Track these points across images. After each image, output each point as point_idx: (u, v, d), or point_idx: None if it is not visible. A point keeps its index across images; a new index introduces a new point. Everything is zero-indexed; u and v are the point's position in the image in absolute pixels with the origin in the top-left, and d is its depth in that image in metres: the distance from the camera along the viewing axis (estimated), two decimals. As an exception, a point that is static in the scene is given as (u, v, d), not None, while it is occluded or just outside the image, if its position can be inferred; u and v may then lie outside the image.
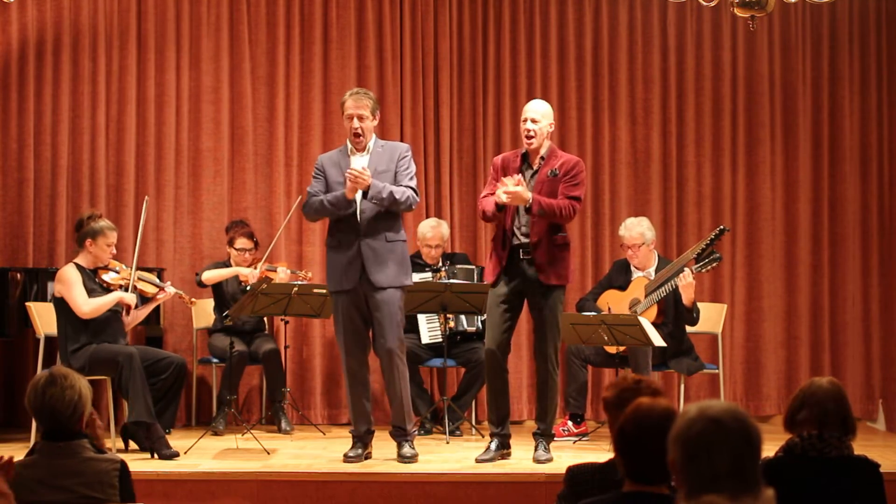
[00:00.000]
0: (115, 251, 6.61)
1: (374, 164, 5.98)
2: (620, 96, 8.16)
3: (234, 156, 7.96)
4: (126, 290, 6.54)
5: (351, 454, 5.96)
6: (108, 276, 6.55)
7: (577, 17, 8.15)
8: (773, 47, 8.23)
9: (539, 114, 6.01)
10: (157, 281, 6.80)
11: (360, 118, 6.00)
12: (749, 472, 2.34)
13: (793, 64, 8.24)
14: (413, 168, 6.08)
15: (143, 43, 7.86)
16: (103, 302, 6.41)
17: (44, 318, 6.73)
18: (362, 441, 6.03)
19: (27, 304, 6.86)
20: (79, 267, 6.48)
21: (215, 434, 6.96)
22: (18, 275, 7.13)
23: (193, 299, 7.06)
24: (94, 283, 6.50)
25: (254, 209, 7.89)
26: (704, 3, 6.59)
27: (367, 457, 6.03)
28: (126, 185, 7.79)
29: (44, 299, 7.04)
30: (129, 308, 6.52)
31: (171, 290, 6.71)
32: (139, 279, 6.63)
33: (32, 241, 7.67)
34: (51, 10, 7.76)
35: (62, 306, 6.41)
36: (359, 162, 5.98)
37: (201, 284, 7.37)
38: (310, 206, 6.02)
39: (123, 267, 6.66)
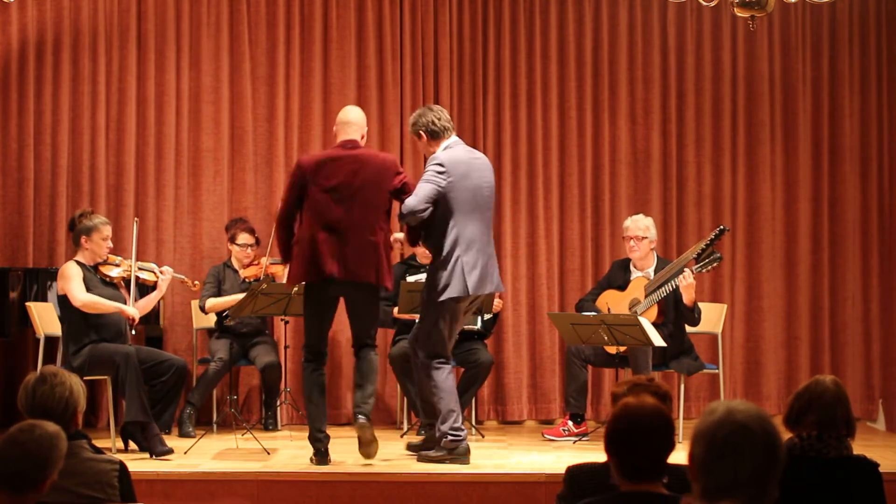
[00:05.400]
0: (111, 244, 6.61)
1: None
2: (620, 96, 8.15)
3: (234, 156, 7.96)
4: (128, 282, 6.52)
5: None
6: (108, 272, 6.55)
7: (577, 17, 8.15)
8: (773, 47, 8.23)
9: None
10: (156, 268, 6.73)
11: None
12: (767, 482, 2.34)
13: (793, 64, 8.24)
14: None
15: (143, 43, 7.86)
16: (102, 303, 6.39)
17: (44, 318, 6.73)
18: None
19: (27, 304, 6.86)
20: (80, 264, 6.49)
21: (183, 436, 6.91)
22: (19, 275, 7.13)
23: (196, 282, 7.04)
24: (95, 279, 6.49)
25: (254, 209, 7.88)
26: (704, 3, 6.58)
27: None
28: (126, 185, 7.79)
29: (44, 299, 7.04)
30: (132, 320, 6.45)
31: (168, 270, 6.65)
32: (140, 268, 6.60)
33: (32, 241, 7.67)
34: (51, 10, 7.76)
35: (66, 304, 6.40)
36: None
37: (205, 312, 7.38)
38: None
39: (123, 260, 6.65)
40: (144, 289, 6.82)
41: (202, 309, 7.36)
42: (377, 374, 6.17)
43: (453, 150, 5.96)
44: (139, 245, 6.86)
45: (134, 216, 7.71)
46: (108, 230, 6.57)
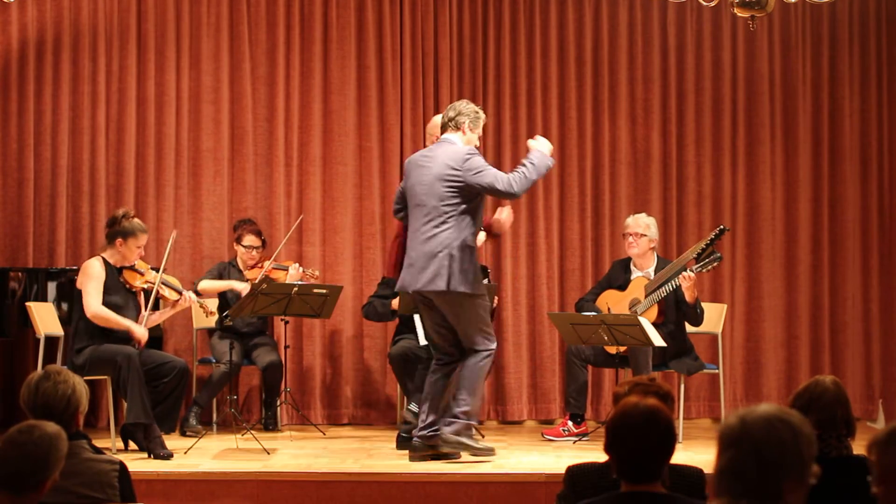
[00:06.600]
0: (143, 252, 6.57)
1: None
2: (620, 96, 8.15)
3: (234, 156, 7.95)
4: (149, 294, 6.48)
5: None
6: (133, 280, 6.48)
7: (577, 17, 8.15)
8: (773, 47, 8.23)
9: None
10: (180, 287, 6.68)
11: None
12: (768, 485, 2.33)
13: (793, 64, 8.24)
14: None
15: (143, 43, 7.86)
16: (113, 318, 6.33)
17: (44, 318, 6.72)
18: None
19: (27, 304, 6.85)
20: (106, 263, 6.45)
21: (184, 434, 6.89)
22: (19, 275, 7.13)
23: (214, 311, 6.98)
24: (117, 281, 6.44)
25: (254, 209, 7.88)
26: (704, 3, 6.59)
27: None
28: (126, 185, 7.79)
29: (44, 299, 7.03)
30: (139, 342, 6.38)
31: (190, 295, 6.60)
32: (163, 284, 6.54)
33: (32, 241, 7.67)
34: (51, 10, 7.76)
35: (80, 299, 6.38)
36: None
37: (197, 293, 7.34)
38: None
39: (149, 269, 6.61)
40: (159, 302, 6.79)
41: (194, 287, 7.23)
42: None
43: (419, 151, 6.30)
44: (152, 252, 6.78)
45: (134, 216, 7.72)
46: (144, 239, 6.51)
